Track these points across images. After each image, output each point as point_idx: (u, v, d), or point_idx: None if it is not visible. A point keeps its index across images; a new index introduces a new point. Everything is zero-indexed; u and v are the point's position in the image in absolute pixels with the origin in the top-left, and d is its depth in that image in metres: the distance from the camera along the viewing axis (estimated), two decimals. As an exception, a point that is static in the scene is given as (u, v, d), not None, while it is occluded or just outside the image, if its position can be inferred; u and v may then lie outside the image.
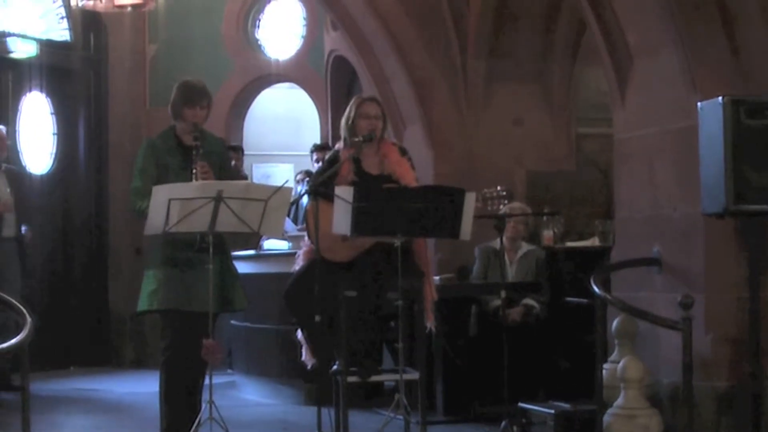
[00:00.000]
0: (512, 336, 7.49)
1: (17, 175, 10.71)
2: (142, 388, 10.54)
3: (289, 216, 9.63)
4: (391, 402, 6.78)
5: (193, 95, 6.78)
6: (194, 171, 6.56)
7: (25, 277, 10.36)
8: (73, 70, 13.58)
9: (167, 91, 6.93)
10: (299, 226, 10.01)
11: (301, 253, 7.38)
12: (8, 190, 10.17)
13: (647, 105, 7.46)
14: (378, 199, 6.61)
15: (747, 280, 6.81)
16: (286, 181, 6.92)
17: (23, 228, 10.24)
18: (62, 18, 13.42)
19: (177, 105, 6.79)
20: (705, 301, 6.84)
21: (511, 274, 8.80)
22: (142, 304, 6.70)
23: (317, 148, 11.34)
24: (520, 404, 7.77)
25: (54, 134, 13.35)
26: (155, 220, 6.30)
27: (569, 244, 9.58)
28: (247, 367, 10.47)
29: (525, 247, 8.95)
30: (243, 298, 6.85)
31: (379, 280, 6.90)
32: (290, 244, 9.64)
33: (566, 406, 7.62)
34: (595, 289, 6.97)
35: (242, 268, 8.46)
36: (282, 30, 14.31)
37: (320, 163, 11.03)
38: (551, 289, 8.79)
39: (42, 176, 13.13)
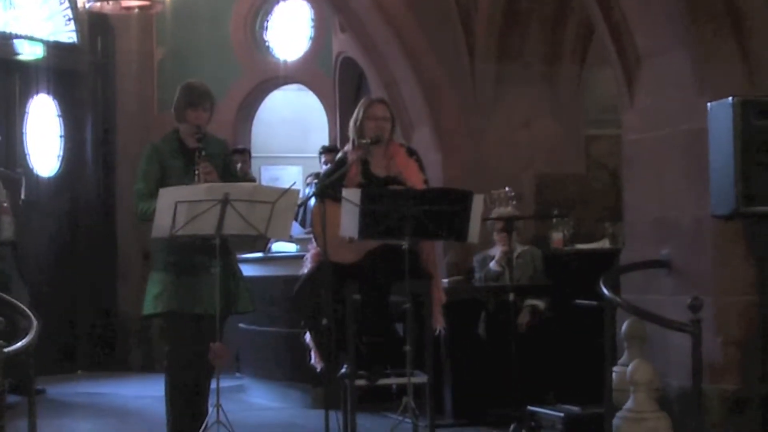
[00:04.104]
0: (521, 339, 7.49)
1: (11, 179, 10.74)
2: (150, 392, 10.56)
3: (296, 219, 9.65)
4: (399, 405, 6.79)
5: (195, 97, 6.83)
6: (197, 172, 6.59)
7: (23, 280, 10.39)
8: (80, 73, 13.62)
9: (175, 94, 6.97)
10: (307, 229, 10.04)
11: (309, 255, 7.39)
12: (4, 191, 10.19)
13: (656, 107, 7.46)
14: (385, 202, 6.62)
15: (756, 282, 6.81)
16: (294, 184, 6.92)
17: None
18: (69, 20, 13.48)
19: (180, 107, 6.85)
20: (714, 303, 6.83)
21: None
22: (147, 308, 6.74)
23: (326, 150, 11.37)
24: (529, 407, 7.78)
25: (61, 137, 13.41)
26: (162, 223, 6.32)
27: (578, 246, 9.59)
28: (255, 371, 10.49)
29: (519, 248, 8.96)
30: (248, 300, 6.86)
31: (385, 281, 6.92)
32: (298, 246, 9.67)
33: (575, 409, 7.64)
34: (604, 291, 6.98)
35: (250, 270, 8.51)
36: (290, 32, 14.34)
37: (329, 165, 11.10)
38: (561, 292, 8.79)
39: (49, 179, 13.19)
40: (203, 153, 6.65)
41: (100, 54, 13.85)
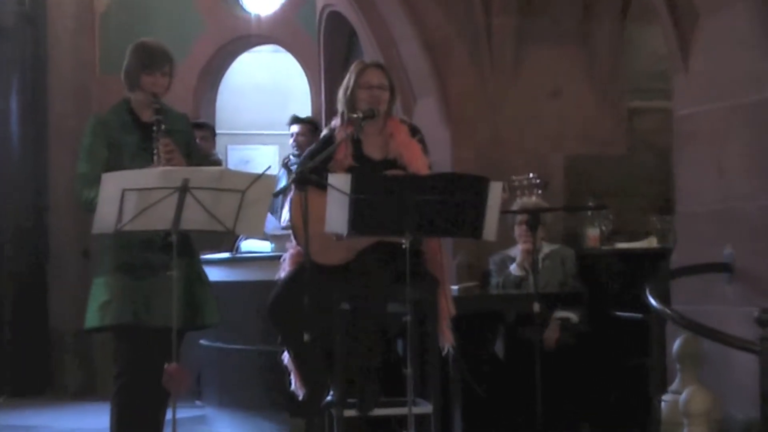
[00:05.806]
0: (548, 359, 7.49)
1: None
2: (90, 423, 10.59)
3: (271, 211, 9.65)
4: (398, 440, 6.81)
5: (152, 59, 6.82)
6: (155, 151, 6.58)
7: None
8: (3, 28, 13.60)
9: (122, 54, 6.96)
10: (284, 224, 10.04)
11: (287, 256, 7.40)
12: None
13: (715, 73, 7.47)
14: (381, 190, 6.61)
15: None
16: (268, 168, 6.92)
17: None
18: (-11, -36, 13.49)
19: (132, 72, 6.83)
20: (787, 316, 6.85)
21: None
22: (91, 320, 6.71)
23: (297, 121, 11.32)
24: (558, 443, 7.81)
25: (-20, 108, 13.42)
26: (106, 216, 6.29)
27: (619, 245, 9.60)
28: (220, 398, 10.50)
29: (547, 247, 8.97)
30: (214, 311, 6.87)
31: (381, 288, 6.92)
32: (274, 245, 9.67)
33: (615, 446, 7.68)
34: (651, 301, 6.99)
35: (214, 274, 8.49)
36: (264, -20, 14.36)
37: (295, 140, 11.12)
38: (597, 301, 8.80)
39: (-35, 160, 13.19)
40: (163, 127, 6.64)
41: (27, 4, 13.83)
